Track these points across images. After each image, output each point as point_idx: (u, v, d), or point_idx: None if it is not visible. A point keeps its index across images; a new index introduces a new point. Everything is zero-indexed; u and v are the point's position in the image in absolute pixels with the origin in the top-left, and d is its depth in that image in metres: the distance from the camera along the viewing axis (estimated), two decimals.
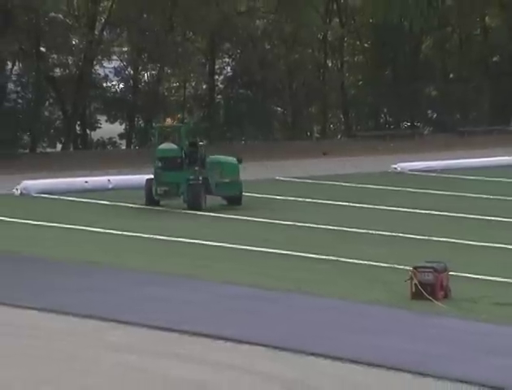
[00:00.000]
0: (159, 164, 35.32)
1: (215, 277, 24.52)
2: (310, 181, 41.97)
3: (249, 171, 38.21)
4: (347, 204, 36.74)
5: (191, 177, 34.65)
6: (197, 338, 19.26)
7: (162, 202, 35.63)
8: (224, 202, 35.77)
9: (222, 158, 36.86)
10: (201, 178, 34.90)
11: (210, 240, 29.33)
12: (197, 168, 35.05)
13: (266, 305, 21.99)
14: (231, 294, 22.94)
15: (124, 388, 16.64)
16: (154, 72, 56.65)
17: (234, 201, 35.60)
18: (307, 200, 37.17)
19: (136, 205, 35.41)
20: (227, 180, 35.53)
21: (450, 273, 22.58)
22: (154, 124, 49.18)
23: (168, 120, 39.60)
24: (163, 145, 36.08)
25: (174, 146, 35.62)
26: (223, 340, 19.11)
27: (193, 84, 58.65)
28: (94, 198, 36.90)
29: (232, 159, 36.61)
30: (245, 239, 29.46)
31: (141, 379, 17.17)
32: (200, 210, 34.40)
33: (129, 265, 25.79)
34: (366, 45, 63.53)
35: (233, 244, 28.82)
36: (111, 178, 38.37)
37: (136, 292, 23.15)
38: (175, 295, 22.93)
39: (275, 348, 18.69)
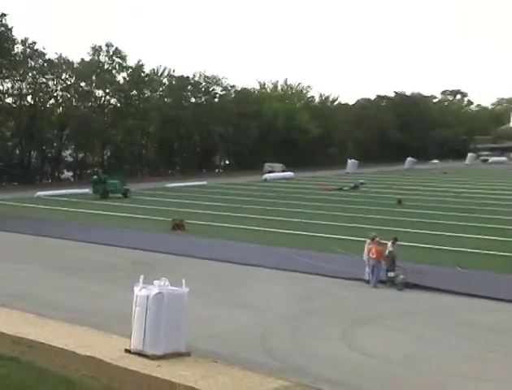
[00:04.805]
0: (93, 184, 33.45)
1: (127, 227, 22.58)
2: (146, 191, 36.49)
3: (131, 187, 34.29)
4: (159, 199, 32.26)
5: (101, 188, 32.59)
6: (111, 247, 18.04)
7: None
8: (121, 196, 32.43)
9: (114, 180, 33.20)
10: (106, 188, 32.74)
11: (124, 213, 26.07)
12: (104, 184, 32.87)
13: (137, 235, 20.71)
14: (130, 232, 21.35)
15: (89, 258, 15.14)
16: (84, 155, 51.85)
17: (124, 196, 32.63)
18: (152, 198, 32.89)
19: (83, 200, 31.70)
20: (114, 189, 32.84)
21: (186, 221, 21.79)
22: (90, 171, 45.12)
23: (96, 169, 39.15)
24: (93, 177, 34.41)
25: (96, 177, 33.79)
26: (122, 247, 17.92)
27: (96, 158, 53.83)
28: (66, 198, 33.01)
29: (118, 181, 33.20)
30: (135, 212, 26.16)
31: (98, 258, 15.81)
32: (106, 199, 31.24)
33: (94, 223, 23.00)
34: (155, 145, 58.45)
35: (135, 215, 25.70)
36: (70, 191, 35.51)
37: (97, 232, 21.17)
38: (111, 233, 20.80)
39: (132, 248, 17.67)
